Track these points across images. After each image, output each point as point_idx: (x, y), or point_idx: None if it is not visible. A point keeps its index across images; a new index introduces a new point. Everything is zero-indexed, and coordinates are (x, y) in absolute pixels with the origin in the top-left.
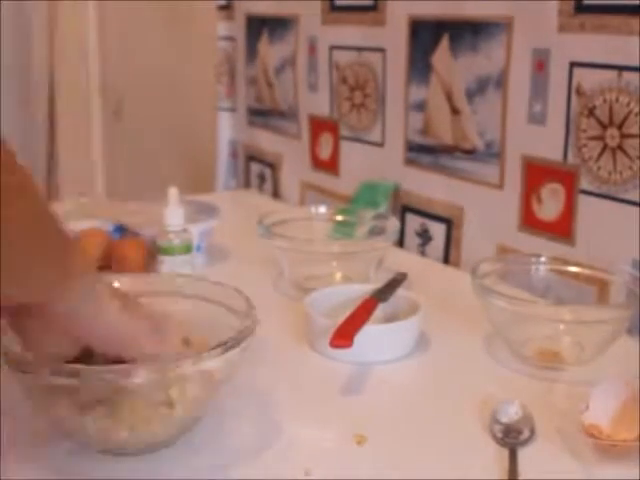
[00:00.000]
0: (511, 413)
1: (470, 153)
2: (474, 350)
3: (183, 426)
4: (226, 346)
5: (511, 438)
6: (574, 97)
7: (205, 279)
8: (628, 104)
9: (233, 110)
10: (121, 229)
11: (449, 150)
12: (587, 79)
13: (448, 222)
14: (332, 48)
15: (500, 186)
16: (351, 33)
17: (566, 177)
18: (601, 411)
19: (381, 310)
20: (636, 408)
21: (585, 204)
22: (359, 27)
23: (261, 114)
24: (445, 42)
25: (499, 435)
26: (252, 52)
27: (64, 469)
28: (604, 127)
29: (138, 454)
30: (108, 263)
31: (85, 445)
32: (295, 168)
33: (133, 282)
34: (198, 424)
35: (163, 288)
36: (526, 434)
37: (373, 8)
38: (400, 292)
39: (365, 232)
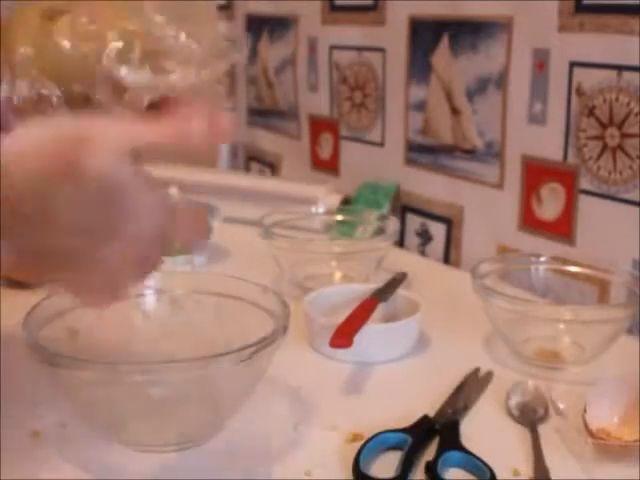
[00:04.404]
0: (525, 392)
1: (470, 153)
2: (474, 350)
3: (214, 425)
4: (258, 346)
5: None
6: (574, 97)
7: (234, 276)
8: (628, 104)
9: (233, 110)
10: None
11: (449, 150)
12: (587, 79)
13: (448, 222)
14: (332, 48)
15: (500, 186)
16: (351, 33)
17: (566, 177)
18: (605, 413)
19: (381, 310)
20: (637, 408)
21: (585, 204)
22: (359, 27)
23: (261, 114)
24: (445, 42)
25: (516, 413)
26: (252, 52)
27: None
28: (604, 127)
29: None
30: None
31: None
32: (295, 168)
33: (169, 279)
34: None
35: (197, 286)
36: (541, 412)
37: (373, 8)
38: (400, 292)
39: (370, 233)
